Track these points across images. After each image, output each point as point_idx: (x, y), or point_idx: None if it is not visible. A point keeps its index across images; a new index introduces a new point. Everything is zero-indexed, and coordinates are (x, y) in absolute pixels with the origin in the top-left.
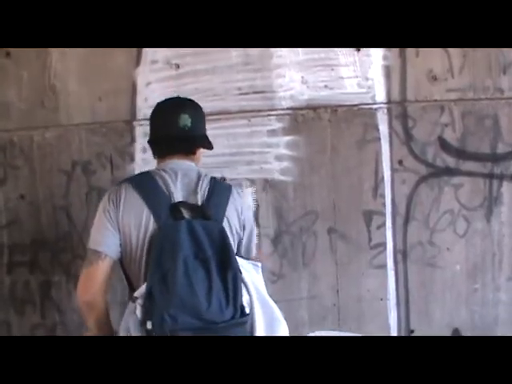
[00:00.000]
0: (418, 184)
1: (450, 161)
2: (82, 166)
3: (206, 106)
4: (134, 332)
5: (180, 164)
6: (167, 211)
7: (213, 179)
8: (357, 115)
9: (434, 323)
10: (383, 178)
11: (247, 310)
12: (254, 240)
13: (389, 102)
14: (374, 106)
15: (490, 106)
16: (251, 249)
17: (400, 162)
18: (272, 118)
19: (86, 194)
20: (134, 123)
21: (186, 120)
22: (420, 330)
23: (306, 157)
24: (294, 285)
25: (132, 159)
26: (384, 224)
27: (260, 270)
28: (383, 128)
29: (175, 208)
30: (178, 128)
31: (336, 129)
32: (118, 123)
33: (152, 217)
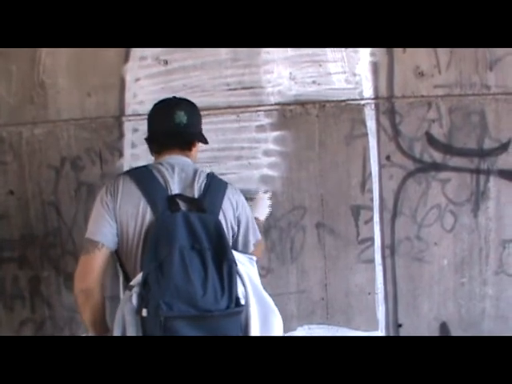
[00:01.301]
0: (406, 179)
1: (438, 156)
2: (71, 161)
3: (195, 101)
4: (129, 320)
5: (177, 159)
6: (164, 203)
7: (209, 175)
8: (344, 111)
9: (422, 317)
10: (371, 173)
11: (242, 302)
12: (251, 237)
13: (376, 97)
14: (362, 102)
15: (477, 102)
16: (248, 244)
17: (388, 158)
18: (260, 113)
19: (75, 189)
20: (123, 119)
21: (181, 117)
22: (408, 324)
23: (294, 152)
24: (282, 279)
25: (121, 154)
26: (372, 219)
27: (255, 263)
28: (371, 124)
29: (172, 200)
30: (174, 124)
31: (324, 124)
32: (107, 119)
33: (149, 208)
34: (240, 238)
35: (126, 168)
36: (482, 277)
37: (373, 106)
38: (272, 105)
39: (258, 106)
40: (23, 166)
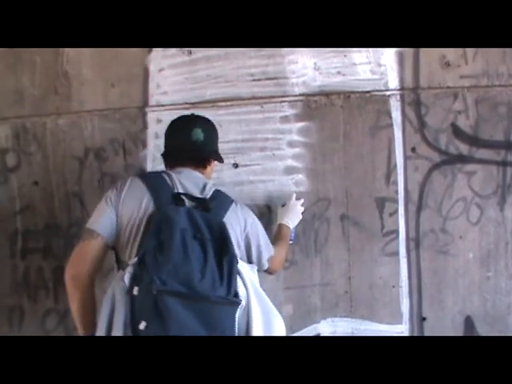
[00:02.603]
0: (431, 171)
1: (463, 148)
2: (95, 152)
3: (219, 92)
4: (119, 299)
5: (190, 172)
6: (169, 198)
7: (218, 190)
8: (369, 102)
9: (447, 311)
10: (396, 165)
11: (242, 299)
12: (265, 253)
13: (402, 88)
14: (387, 93)
15: (504, 93)
16: (262, 261)
17: (413, 149)
18: (284, 104)
19: (98, 180)
20: (147, 109)
21: (198, 134)
22: (432, 318)
23: (319, 143)
24: (306, 271)
25: (144, 145)
26: (397, 211)
27: (256, 271)
28: (396, 115)
29: (177, 196)
30: (191, 141)
31: (348, 115)
32: (131, 109)
33: (152, 201)
34: (253, 256)
35: (149, 159)
36: (508, 271)
37: (398, 96)
38: (296, 95)
39: (283, 96)
40: (47, 157)
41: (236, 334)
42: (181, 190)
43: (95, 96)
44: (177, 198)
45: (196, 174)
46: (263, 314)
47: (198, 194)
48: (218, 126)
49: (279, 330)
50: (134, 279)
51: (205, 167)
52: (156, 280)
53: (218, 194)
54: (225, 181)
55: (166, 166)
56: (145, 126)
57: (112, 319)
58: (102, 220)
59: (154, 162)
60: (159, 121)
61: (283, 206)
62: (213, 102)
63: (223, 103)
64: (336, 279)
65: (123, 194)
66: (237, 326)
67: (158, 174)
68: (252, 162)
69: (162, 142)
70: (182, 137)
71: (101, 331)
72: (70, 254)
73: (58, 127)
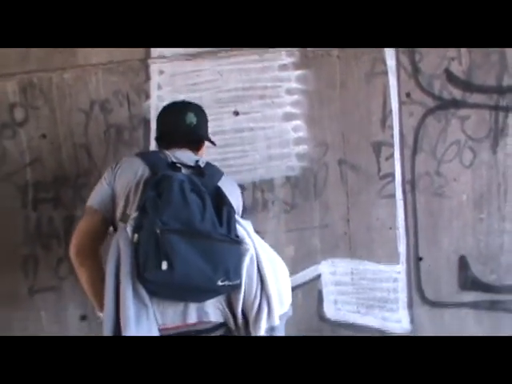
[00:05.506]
0: (426, 116)
1: (457, 93)
2: (100, 104)
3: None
4: (124, 248)
5: (183, 151)
6: (165, 166)
7: (209, 163)
8: (365, 51)
9: (442, 251)
10: (391, 110)
11: (251, 249)
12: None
13: None
14: None
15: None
16: None
17: (407, 95)
18: (283, 53)
19: (104, 131)
20: (149, 61)
21: (191, 118)
22: (428, 257)
23: (316, 90)
24: (306, 214)
25: (148, 96)
26: (392, 155)
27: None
28: (391, 62)
29: (173, 164)
30: (185, 124)
31: (345, 65)
32: (134, 62)
33: (148, 169)
34: None
35: (153, 109)
36: (501, 212)
37: None
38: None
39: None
40: (54, 111)
41: (243, 279)
42: (175, 161)
43: (99, 50)
44: (172, 166)
45: (190, 152)
46: (270, 262)
47: (192, 165)
48: (218, 76)
49: (284, 274)
50: (136, 227)
51: (198, 149)
52: (158, 222)
53: (210, 165)
54: (226, 128)
55: (160, 148)
56: (148, 78)
57: (118, 272)
58: (98, 196)
59: (157, 111)
60: (161, 72)
61: None
62: (213, 53)
63: (224, 53)
64: (335, 221)
65: (119, 170)
66: (245, 271)
67: (152, 151)
68: (252, 110)
69: (164, 92)
70: (176, 120)
71: (110, 285)
72: (79, 205)
73: (64, 81)
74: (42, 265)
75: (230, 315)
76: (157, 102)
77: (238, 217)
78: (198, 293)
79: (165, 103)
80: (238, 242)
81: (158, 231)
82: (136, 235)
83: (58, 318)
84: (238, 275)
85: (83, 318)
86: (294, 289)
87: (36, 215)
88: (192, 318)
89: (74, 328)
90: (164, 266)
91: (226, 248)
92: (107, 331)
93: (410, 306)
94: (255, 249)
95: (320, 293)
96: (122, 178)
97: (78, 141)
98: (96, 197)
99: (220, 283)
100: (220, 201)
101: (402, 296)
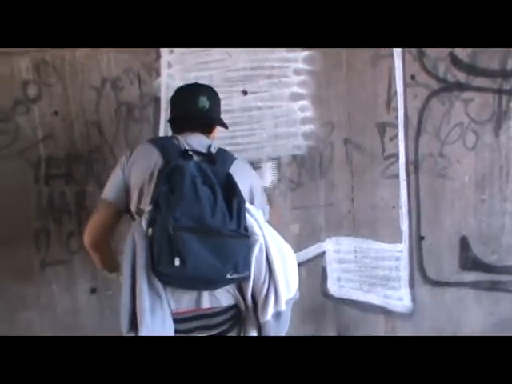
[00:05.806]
0: (430, 98)
1: (461, 76)
2: (111, 82)
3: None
4: (139, 242)
5: (196, 135)
6: (177, 154)
7: (221, 149)
8: None
9: (444, 231)
10: (396, 92)
11: (260, 238)
12: (265, 206)
13: None
14: None
15: None
16: (264, 211)
17: (412, 77)
18: None
19: (115, 109)
20: None
21: (204, 102)
22: (430, 237)
23: (323, 71)
24: (311, 193)
25: (158, 74)
26: (397, 136)
27: (262, 215)
28: None
29: (185, 152)
30: (197, 108)
31: None
32: None
33: (161, 157)
34: (256, 205)
35: (163, 87)
36: (502, 194)
37: None
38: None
39: None
40: (66, 88)
41: (252, 268)
42: (188, 148)
43: None
44: (185, 154)
45: (202, 136)
46: (278, 251)
47: (204, 151)
48: (227, 56)
49: (292, 262)
50: (150, 221)
51: (210, 132)
52: (170, 219)
53: (222, 151)
54: (234, 107)
55: (174, 131)
56: (158, 56)
57: (135, 264)
58: (113, 188)
59: (167, 89)
60: (171, 51)
61: (257, 169)
62: None
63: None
64: (340, 200)
65: (132, 157)
66: (254, 260)
67: (166, 137)
68: (260, 89)
69: (174, 70)
70: (189, 104)
71: (127, 277)
72: (90, 181)
73: (76, 59)
74: (54, 239)
75: (240, 298)
76: (167, 80)
77: (248, 205)
78: (209, 284)
79: (175, 82)
80: (246, 236)
81: (171, 229)
82: (150, 229)
83: (69, 291)
84: (248, 267)
85: (93, 290)
86: (298, 266)
87: (48, 190)
88: (205, 304)
89: (83, 301)
90: (177, 262)
91: (236, 243)
92: (124, 320)
93: (412, 284)
94: (264, 237)
95: (324, 270)
96: (136, 169)
97: (89, 118)
98: (110, 189)
99: (229, 276)
100: (230, 191)
101: (404, 274)
